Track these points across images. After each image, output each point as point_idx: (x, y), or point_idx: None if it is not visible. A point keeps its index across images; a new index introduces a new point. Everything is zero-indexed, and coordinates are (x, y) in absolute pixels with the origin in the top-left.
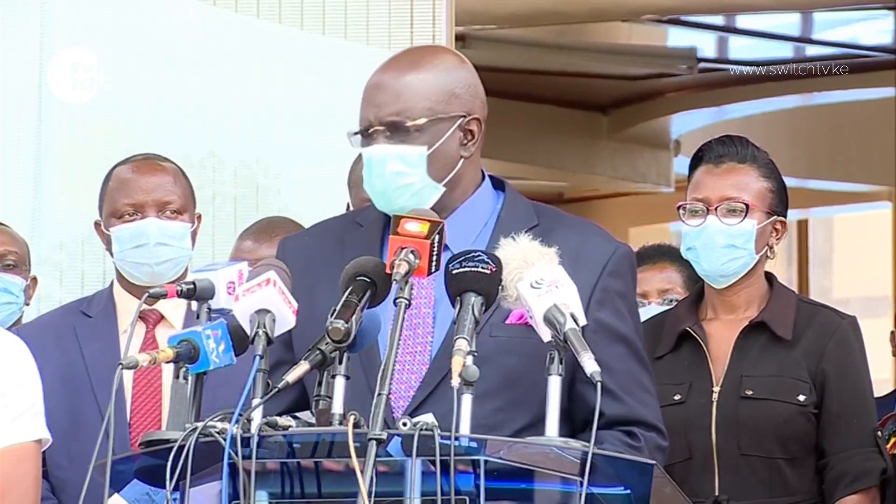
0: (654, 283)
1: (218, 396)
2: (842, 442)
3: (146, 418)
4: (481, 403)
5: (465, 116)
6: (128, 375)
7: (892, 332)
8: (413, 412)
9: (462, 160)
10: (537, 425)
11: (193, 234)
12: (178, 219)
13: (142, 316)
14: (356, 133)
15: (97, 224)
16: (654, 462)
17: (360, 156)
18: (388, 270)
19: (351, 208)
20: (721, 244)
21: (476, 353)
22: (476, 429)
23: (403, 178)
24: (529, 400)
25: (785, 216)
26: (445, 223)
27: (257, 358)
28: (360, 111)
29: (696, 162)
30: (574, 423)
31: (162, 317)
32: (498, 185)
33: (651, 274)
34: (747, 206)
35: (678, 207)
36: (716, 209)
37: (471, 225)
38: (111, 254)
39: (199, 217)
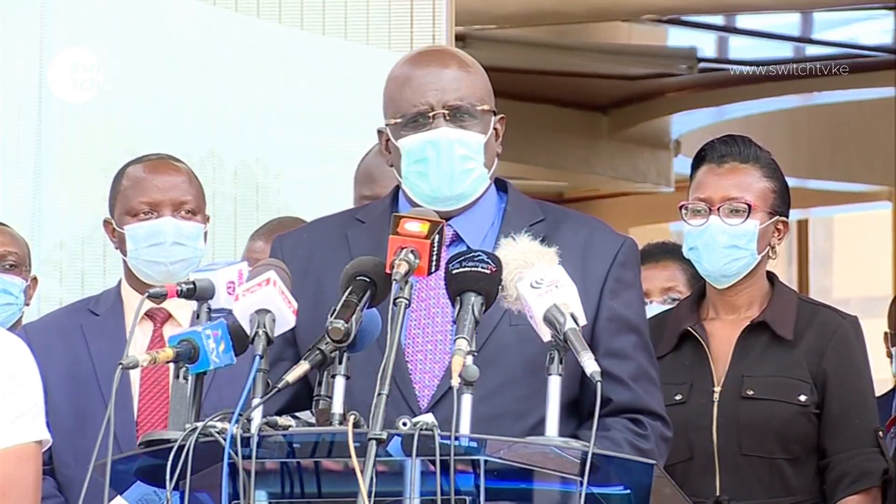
0: (657, 281)
1: (224, 396)
2: (843, 442)
3: (153, 417)
4: (507, 391)
5: (496, 114)
6: (135, 375)
7: (886, 333)
8: (440, 399)
9: (496, 157)
10: (563, 412)
11: (204, 235)
12: (193, 219)
13: (149, 314)
14: (403, 119)
15: (107, 223)
16: (654, 462)
17: (369, 152)
18: (387, 270)
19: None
20: (723, 244)
21: (476, 353)
22: (504, 416)
23: (468, 163)
24: None
25: (787, 216)
26: (445, 223)
27: (257, 358)
28: (411, 97)
29: (698, 161)
30: (581, 414)
31: (169, 315)
32: (501, 186)
33: (654, 272)
34: (750, 206)
35: (680, 207)
36: (718, 209)
37: (480, 223)
38: (123, 252)
39: (208, 218)
